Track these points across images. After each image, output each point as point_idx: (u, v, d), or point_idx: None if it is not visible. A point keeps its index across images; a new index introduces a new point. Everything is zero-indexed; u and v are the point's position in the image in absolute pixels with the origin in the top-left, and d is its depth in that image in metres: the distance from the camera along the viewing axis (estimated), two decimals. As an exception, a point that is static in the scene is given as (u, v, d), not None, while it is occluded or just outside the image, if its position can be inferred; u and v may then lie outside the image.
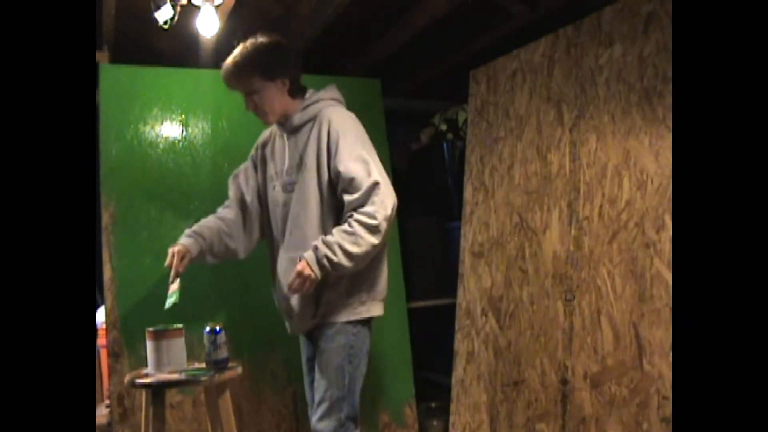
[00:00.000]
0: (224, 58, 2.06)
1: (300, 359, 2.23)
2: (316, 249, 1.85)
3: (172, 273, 2.04)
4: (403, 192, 3.15)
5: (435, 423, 3.14)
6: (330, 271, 1.85)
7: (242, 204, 2.21)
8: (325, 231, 1.93)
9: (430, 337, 3.41)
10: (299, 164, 2.03)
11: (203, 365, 2.02)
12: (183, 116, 2.74)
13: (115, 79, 2.65)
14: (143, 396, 2.05)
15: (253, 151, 2.27)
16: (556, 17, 2.67)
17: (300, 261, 1.87)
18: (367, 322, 2.02)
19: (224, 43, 2.19)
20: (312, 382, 2.07)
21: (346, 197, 1.90)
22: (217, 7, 2.36)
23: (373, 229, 1.84)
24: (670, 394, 1.94)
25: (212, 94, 2.75)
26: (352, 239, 1.83)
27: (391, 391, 2.94)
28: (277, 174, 2.11)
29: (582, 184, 2.34)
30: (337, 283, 1.95)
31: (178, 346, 2.00)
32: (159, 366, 1.97)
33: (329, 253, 1.83)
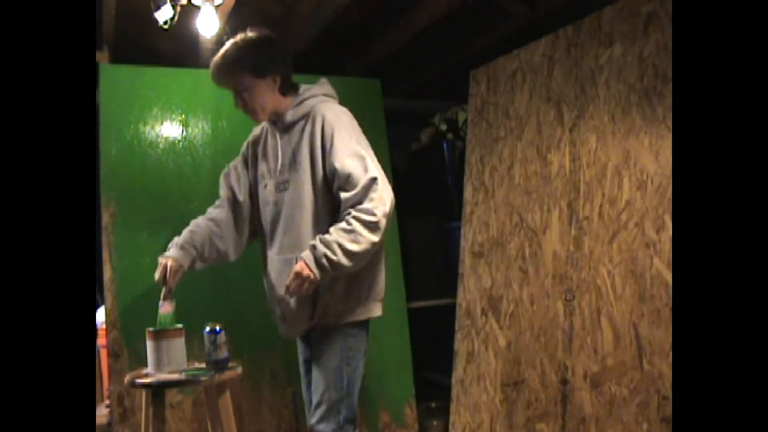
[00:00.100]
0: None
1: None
2: (314, 248, 1.79)
3: (165, 290, 1.99)
4: (403, 192, 3.16)
5: (435, 423, 3.14)
6: (329, 271, 1.80)
7: (233, 203, 2.15)
8: (321, 231, 1.86)
9: (430, 337, 3.41)
10: (292, 162, 1.98)
11: (203, 365, 2.02)
12: (183, 116, 2.75)
13: (115, 79, 2.65)
14: (143, 396, 2.05)
15: (244, 149, 2.21)
16: (556, 17, 2.67)
17: (297, 262, 1.82)
18: (364, 322, 1.98)
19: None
20: (309, 383, 2.04)
21: (343, 194, 1.85)
22: (217, 7, 2.36)
23: (372, 227, 1.79)
24: (670, 394, 1.94)
25: (212, 94, 2.75)
26: (352, 237, 1.78)
27: (391, 391, 2.94)
28: (269, 173, 2.06)
29: (582, 184, 2.34)
30: (334, 285, 1.90)
31: (178, 346, 2.00)
32: (159, 366, 1.97)
33: (328, 252, 1.77)
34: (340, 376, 1.91)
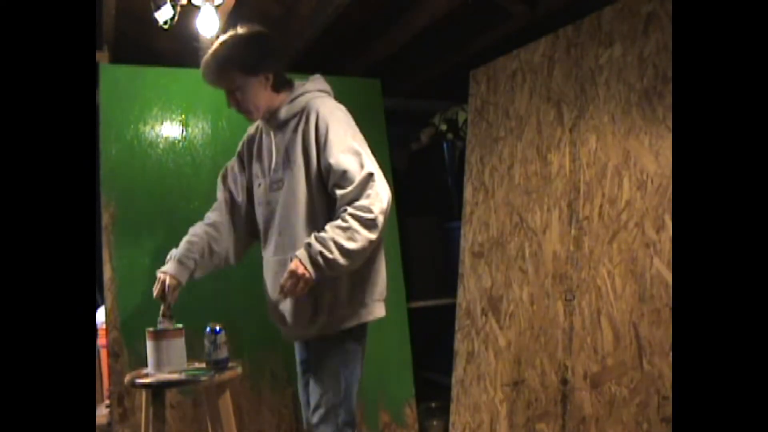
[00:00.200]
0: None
1: (299, 359, 2.22)
2: (309, 246, 1.74)
3: (164, 307, 1.99)
4: (403, 192, 3.18)
5: (435, 423, 3.14)
6: (325, 270, 1.74)
7: (231, 205, 2.12)
8: (317, 230, 1.80)
9: (430, 337, 3.41)
10: (286, 160, 1.92)
11: (203, 365, 2.02)
12: (183, 116, 2.75)
13: (115, 79, 2.65)
14: (143, 396, 2.05)
15: (239, 148, 2.16)
16: (556, 17, 2.67)
17: (292, 261, 1.77)
18: (363, 325, 1.93)
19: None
20: (306, 384, 2.01)
21: (339, 192, 1.79)
22: (217, 7, 2.36)
23: (369, 224, 1.74)
24: (670, 394, 1.94)
25: (212, 94, 2.73)
26: (348, 235, 1.72)
27: (391, 391, 2.94)
28: (263, 172, 2.00)
29: (582, 184, 2.34)
30: (336, 286, 1.85)
31: (178, 346, 2.00)
32: (159, 366, 1.97)
33: (324, 250, 1.71)
34: (338, 379, 1.86)
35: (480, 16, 2.94)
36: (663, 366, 1.98)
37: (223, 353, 2.00)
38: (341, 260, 1.73)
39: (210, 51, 1.92)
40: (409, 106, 3.85)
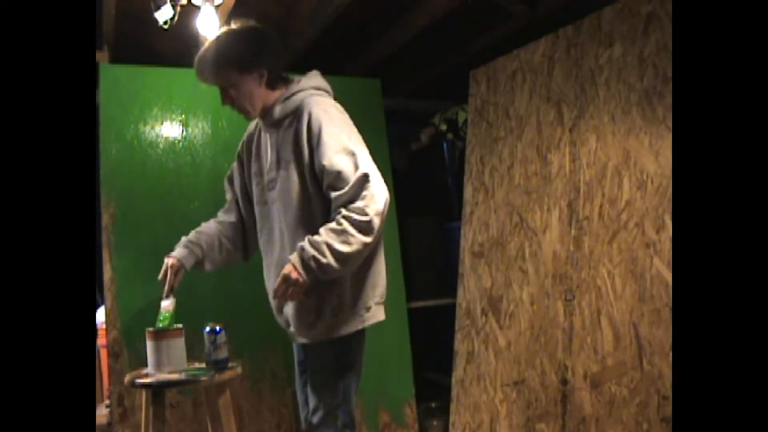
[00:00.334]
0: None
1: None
2: (302, 250, 1.70)
3: (166, 288, 1.99)
4: (403, 192, 3.19)
5: (435, 423, 3.14)
6: (318, 274, 1.70)
7: (238, 205, 2.11)
8: (312, 232, 1.75)
9: (430, 337, 3.41)
10: (280, 160, 1.88)
11: (203, 365, 2.02)
12: (183, 116, 2.75)
13: (115, 79, 2.65)
14: (143, 396, 2.05)
15: (239, 148, 2.12)
16: (556, 17, 2.68)
17: (287, 264, 1.74)
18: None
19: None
20: (305, 384, 1.98)
21: (333, 193, 1.74)
22: (217, 7, 2.36)
23: (364, 227, 1.69)
24: (670, 394, 1.94)
25: (212, 94, 2.73)
26: (342, 238, 1.68)
27: (391, 391, 2.94)
28: (261, 171, 1.97)
29: (582, 184, 2.34)
30: (339, 289, 1.81)
31: (178, 346, 2.00)
32: (159, 366, 1.97)
33: (317, 254, 1.68)
34: (336, 382, 1.84)
35: (480, 16, 2.95)
36: (663, 366, 1.98)
37: (223, 353, 2.00)
38: (335, 264, 1.69)
39: (204, 47, 1.89)
40: (409, 106, 3.85)
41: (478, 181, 2.81)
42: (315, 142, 1.78)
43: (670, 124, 2.06)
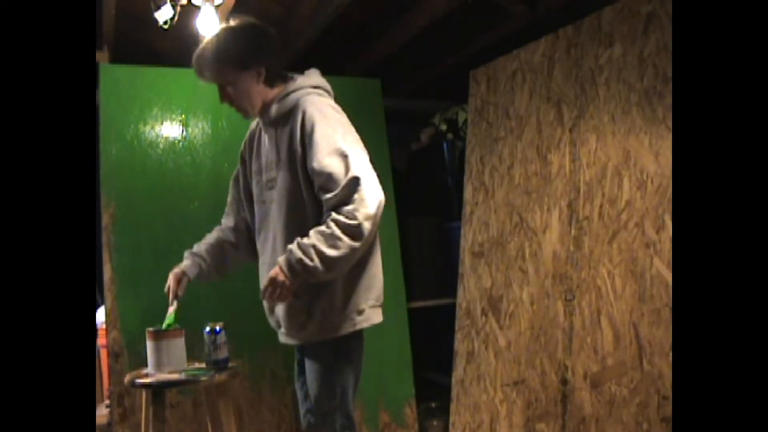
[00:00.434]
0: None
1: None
2: (290, 252, 1.68)
3: (171, 296, 2.02)
4: (403, 192, 3.19)
5: (435, 423, 3.14)
6: (305, 277, 1.68)
7: (240, 205, 2.09)
8: (303, 235, 1.72)
9: (430, 337, 3.41)
10: (277, 160, 1.85)
11: (203, 365, 2.02)
12: (183, 116, 2.75)
13: (115, 79, 2.65)
14: (143, 396, 2.05)
15: (242, 147, 2.10)
16: (556, 17, 2.68)
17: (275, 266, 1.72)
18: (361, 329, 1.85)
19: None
20: (303, 383, 1.95)
21: (324, 196, 1.72)
22: (217, 7, 2.36)
23: (352, 231, 1.65)
24: (670, 394, 1.94)
25: (212, 94, 2.74)
26: (330, 242, 1.65)
27: (391, 391, 2.94)
28: (260, 170, 1.95)
29: (582, 184, 2.34)
30: (329, 291, 1.78)
31: (178, 346, 2.00)
32: (159, 366, 1.97)
33: (304, 258, 1.65)
34: (332, 385, 1.81)
35: (480, 16, 2.95)
36: (663, 366, 1.98)
37: (223, 353, 2.00)
38: (321, 268, 1.66)
39: (202, 45, 1.87)
40: (409, 106, 3.85)
41: (478, 181, 2.81)
42: (308, 142, 1.76)
43: (670, 124, 2.06)
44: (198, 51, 1.87)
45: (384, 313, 1.93)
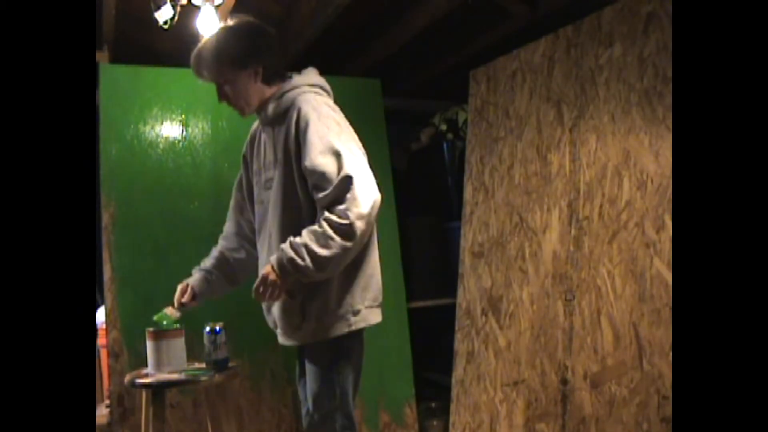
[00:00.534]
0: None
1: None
2: (281, 251, 1.68)
3: (176, 304, 2.04)
4: (403, 192, 3.19)
5: (435, 423, 3.14)
6: (296, 277, 1.68)
7: (242, 208, 2.08)
8: (297, 235, 1.71)
9: (430, 337, 3.41)
10: (274, 159, 1.85)
11: (203, 365, 2.02)
12: (183, 116, 2.75)
13: (115, 79, 2.65)
14: (143, 396, 2.05)
15: (243, 149, 2.09)
16: (556, 17, 2.68)
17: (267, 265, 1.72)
18: (359, 329, 1.84)
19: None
20: (305, 384, 1.94)
21: (317, 194, 1.71)
22: (217, 7, 2.36)
23: (344, 230, 1.64)
24: (670, 394, 1.94)
25: (212, 94, 2.74)
26: (322, 241, 1.64)
27: (391, 391, 2.95)
28: (259, 170, 1.94)
29: (582, 184, 2.34)
30: (322, 291, 1.76)
31: (178, 346, 2.00)
32: (159, 366, 1.97)
33: (295, 257, 1.65)
34: (332, 386, 1.79)
35: (480, 16, 2.95)
36: (663, 366, 1.98)
37: (223, 353, 2.00)
38: (312, 267, 1.65)
39: (200, 43, 1.88)
40: (409, 106, 3.85)
41: (478, 181, 2.81)
42: (302, 140, 1.75)
43: (670, 124, 2.06)
44: (196, 50, 1.87)
45: (383, 313, 1.92)
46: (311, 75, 1.93)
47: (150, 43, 2.99)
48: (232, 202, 2.14)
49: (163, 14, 2.28)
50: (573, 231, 2.34)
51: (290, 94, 1.85)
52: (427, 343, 3.39)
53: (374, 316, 1.85)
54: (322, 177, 1.69)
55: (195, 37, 2.51)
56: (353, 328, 1.79)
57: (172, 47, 2.94)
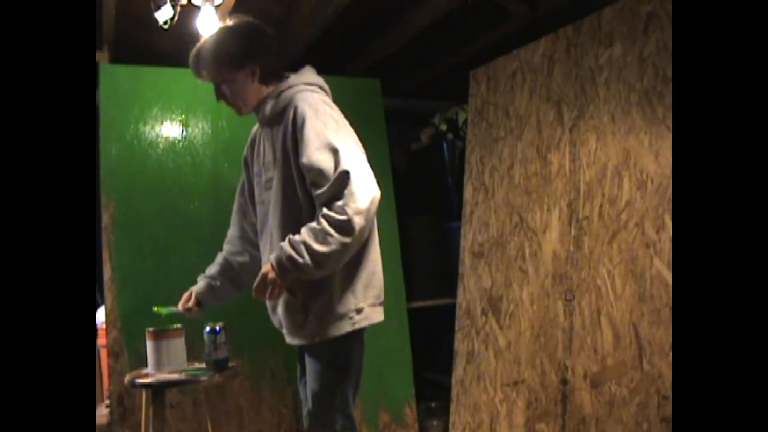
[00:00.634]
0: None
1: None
2: (281, 249, 1.68)
3: (180, 308, 2.05)
4: (403, 192, 3.19)
5: (435, 423, 3.14)
6: (296, 275, 1.67)
7: (245, 212, 2.08)
8: (296, 233, 1.71)
9: (430, 337, 3.41)
10: (273, 159, 1.85)
11: (203, 365, 2.02)
12: (183, 116, 2.75)
13: (115, 79, 2.65)
14: (143, 396, 2.05)
15: (245, 152, 2.09)
16: (556, 17, 2.68)
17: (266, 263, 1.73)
18: (360, 329, 1.83)
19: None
20: (306, 383, 1.93)
21: (315, 191, 1.71)
22: (217, 7, 2.36)
23: (342, 226, 1.63)
24: (670, 394, 1.94)
25: (212, 94, 2.75)
26: (320, 238, 1.63)
27: (391, 391, 2.95)
28: (259, 171, 1.94)
29: (582, 184, 2.34)
30: (326, 289, 1.76)
31: (178, 346, 2.00)
32: (159, 366, 1.97)
33: (294, 255, 1.64)
34: (332, 386, 1.79)
35: (480, 16, 2.95)
36: (663, 366, 1.98)
37: (223, 353, 2.00)
38: (311, 264, 1.65)
39: (198, 43, 1.89)
40: (409, 106, 3.85)
41: (478, 181, 2.81)
42: (299, 137, 1.75)
43: (670, 124, 2.06)
44: (194, 50, 1.88)
45: (384, 313, 1.91)
46: (308, 74, 1.93)
47: (150, 43, 2.99)
48: (234, 207, 2.13)
49: (163, 14, 2.28)
50: (573, 231, 2.34)
51: (287, 93, 1.85)
52: (427, 343, 3.39)
53: (377, 315, 1.85)
54: (319, 173, 1.69)
55: (195, 37, 2.51)
56: (356, 326, 1.79)
57: (172, 47, 2.94)
